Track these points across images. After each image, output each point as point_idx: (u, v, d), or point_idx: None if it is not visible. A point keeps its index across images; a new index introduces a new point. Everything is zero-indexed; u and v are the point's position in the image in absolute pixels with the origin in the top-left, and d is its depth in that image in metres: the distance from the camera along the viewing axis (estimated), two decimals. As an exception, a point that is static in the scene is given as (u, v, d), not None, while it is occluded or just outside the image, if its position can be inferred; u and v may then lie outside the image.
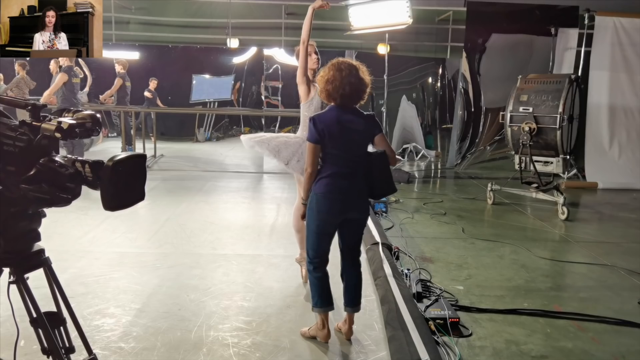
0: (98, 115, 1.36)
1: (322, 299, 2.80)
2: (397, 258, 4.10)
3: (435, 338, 2.79)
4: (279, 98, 10.57)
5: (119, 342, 2.72)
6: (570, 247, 4.88)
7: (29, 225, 1.42)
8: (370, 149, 2.82)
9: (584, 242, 4.97)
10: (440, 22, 9.50)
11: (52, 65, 7.36)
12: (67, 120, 1.27)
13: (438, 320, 2.95)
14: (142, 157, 1.32)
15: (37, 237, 1.48)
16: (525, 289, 3.70)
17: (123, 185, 1.25)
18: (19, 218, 1.38)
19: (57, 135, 1.25)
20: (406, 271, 3.74)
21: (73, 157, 1.29)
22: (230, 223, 5.26)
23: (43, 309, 1.54)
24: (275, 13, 9.07)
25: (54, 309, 1.61)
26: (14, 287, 1.49)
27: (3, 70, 9.74)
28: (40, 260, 1.49)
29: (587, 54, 8.40)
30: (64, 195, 1.28)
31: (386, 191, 2.85)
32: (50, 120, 1.29)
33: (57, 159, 1.29)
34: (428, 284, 3.63)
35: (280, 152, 3.38)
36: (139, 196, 1.33)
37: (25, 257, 1.44)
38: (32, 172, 1.25)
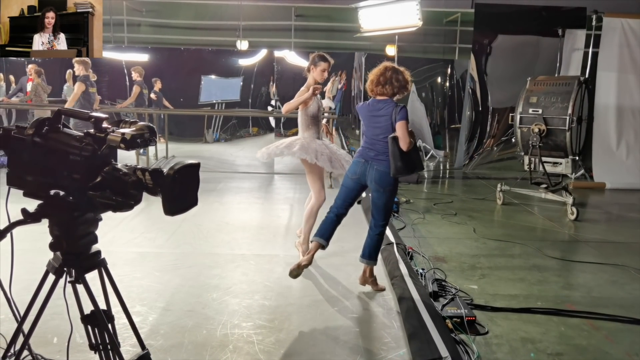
0: (153, 125, 1.46)
1: (320, 230, 3.55)
2: (411, 258, 4.19)
3: (453, 336, 2.88)
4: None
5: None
6: (580, 247, 4.95)
7: (88, 228, 1.52)
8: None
9: (594, 242, 5.05)
10: (448, 23, 9.58)
11: (68, 74, 7.53)
12: (129, 131, 1.37)
13: (455, 319, 3.04)
14: (197, 166, 1.41)
15: (95, 240, 1.57)
16: (537, 288, 3.78)
17: (180, 192, 1.35)
18: (80, 222, 1.48)
19: (122, 146, 1.35)
20: (421, 271, 3.82)
21: (133, 165, 1.38)
22: (245, 223, 5.35)
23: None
24: (284, 15, 9.17)
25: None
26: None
27: (12, 70, 9.87)
28: (97, 261, 1.59)
29: (595, 55, 8.47)
30: (128, 201, 1.37)
31: (394, 171, 3.35)
32: (113, 131, 1.39)
33: (119, 167, 1.38)
34: (443, 283, 3.71)
35: (308, 150, 3.91)
36: (194, 201, 1.43)
37: (85, 258, 1.54)
38: (97, 180, 1.35)
